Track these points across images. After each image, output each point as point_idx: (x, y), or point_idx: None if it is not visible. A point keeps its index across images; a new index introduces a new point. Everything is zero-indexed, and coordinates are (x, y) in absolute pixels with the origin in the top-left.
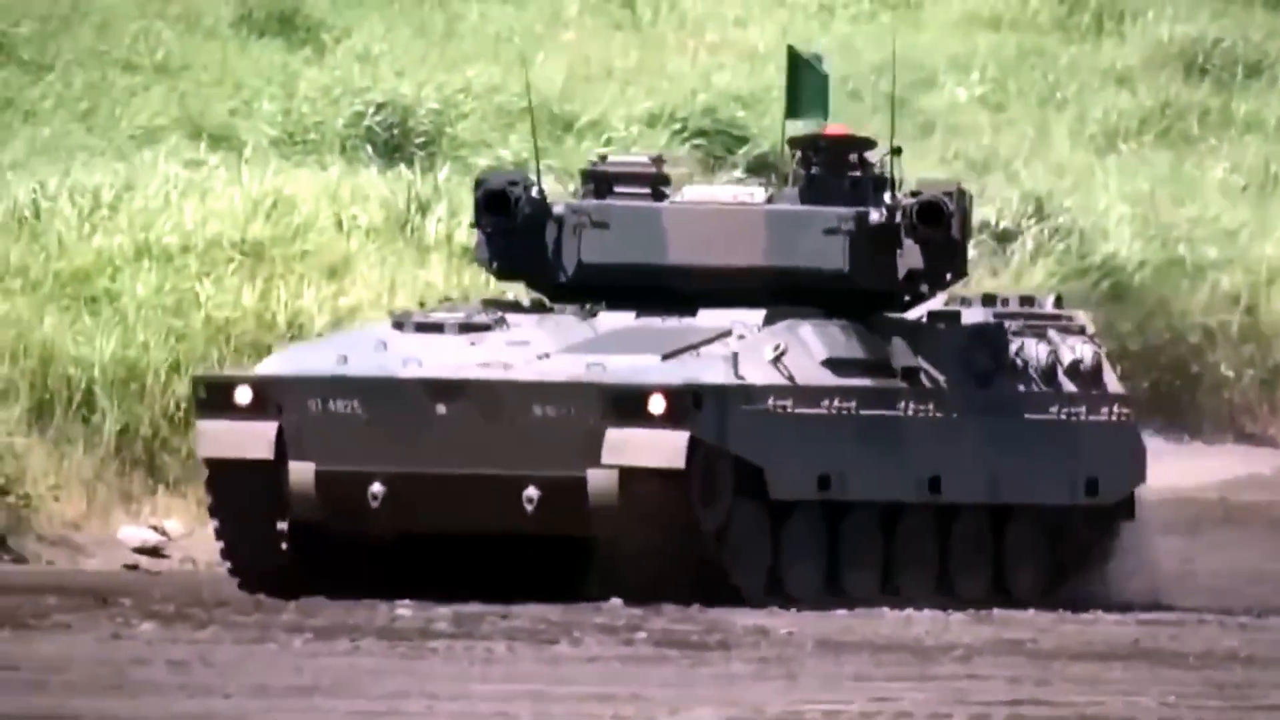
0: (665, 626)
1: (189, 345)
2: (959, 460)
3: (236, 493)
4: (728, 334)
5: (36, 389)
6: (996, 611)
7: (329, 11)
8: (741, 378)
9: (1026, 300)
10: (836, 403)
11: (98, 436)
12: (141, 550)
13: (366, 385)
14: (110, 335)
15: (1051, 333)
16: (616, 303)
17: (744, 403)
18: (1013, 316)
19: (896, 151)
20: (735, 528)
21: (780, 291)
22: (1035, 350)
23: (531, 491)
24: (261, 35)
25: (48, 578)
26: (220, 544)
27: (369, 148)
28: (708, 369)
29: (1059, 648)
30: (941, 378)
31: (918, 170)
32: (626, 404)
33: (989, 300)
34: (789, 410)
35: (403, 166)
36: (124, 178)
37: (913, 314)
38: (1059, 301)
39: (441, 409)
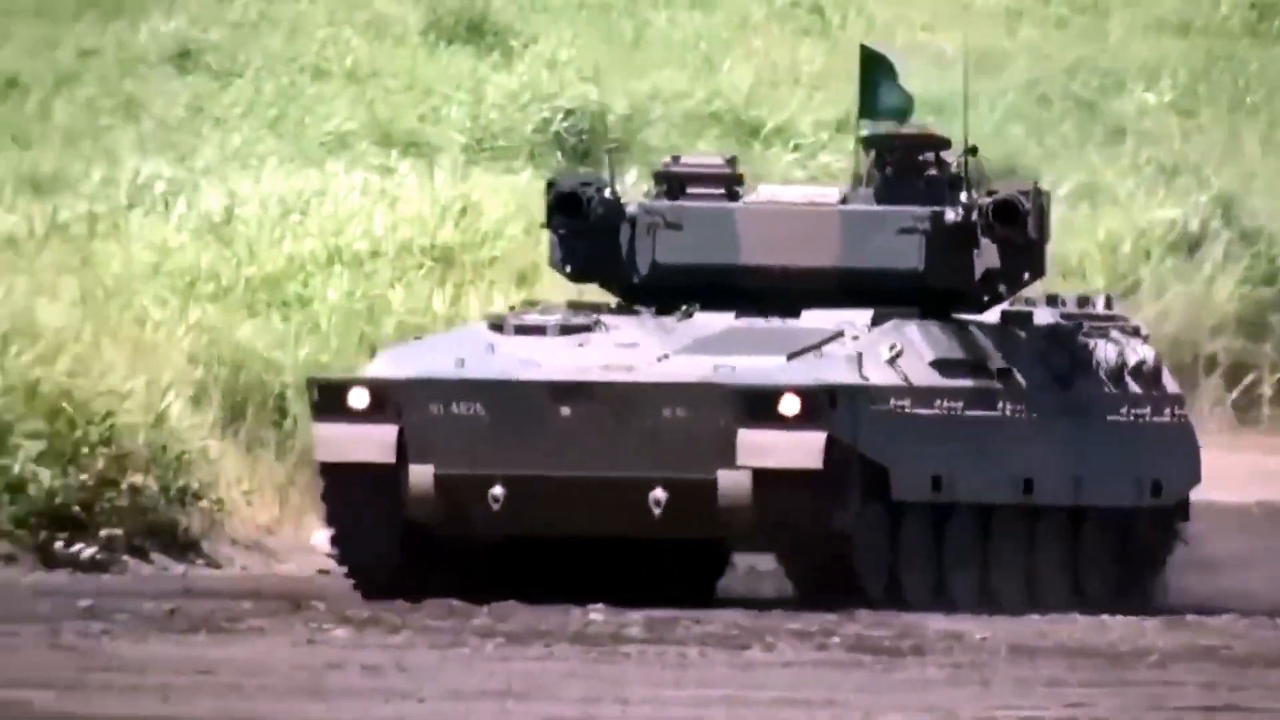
0: (859, 632)
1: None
2: (1047, 462)
3: (355, 496)
4: (840, 335)
5: (229, 394)
6: (1190, 617)
7: (517, 18)
8: (866, 378)
9: (1083, 301)
10: (946, 403)
11: (290, 441)
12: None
13: (490, 387)
14: (302, 340)
15: (1114, 333)
16: (706, 304)
17: (870, 403)
18: (1075, 317)
19: (972, 151)
20: (860, 529)
21: (854, 292)
22: (1105, 351)
23: (659, 494)
24: (450, 42)
25: (242, 582)
26: (335, 547)
27: (558, 154)
28: (835, 369)
29: (1253, 654)
30: (1029, 379)
31: (1108, 176)
32: (760, 405)
33: (1051, 301)
34: (907, 411)
35: (595, 170)
36: (314, 184)
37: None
38: (1109, 303)
39: (566, 411)
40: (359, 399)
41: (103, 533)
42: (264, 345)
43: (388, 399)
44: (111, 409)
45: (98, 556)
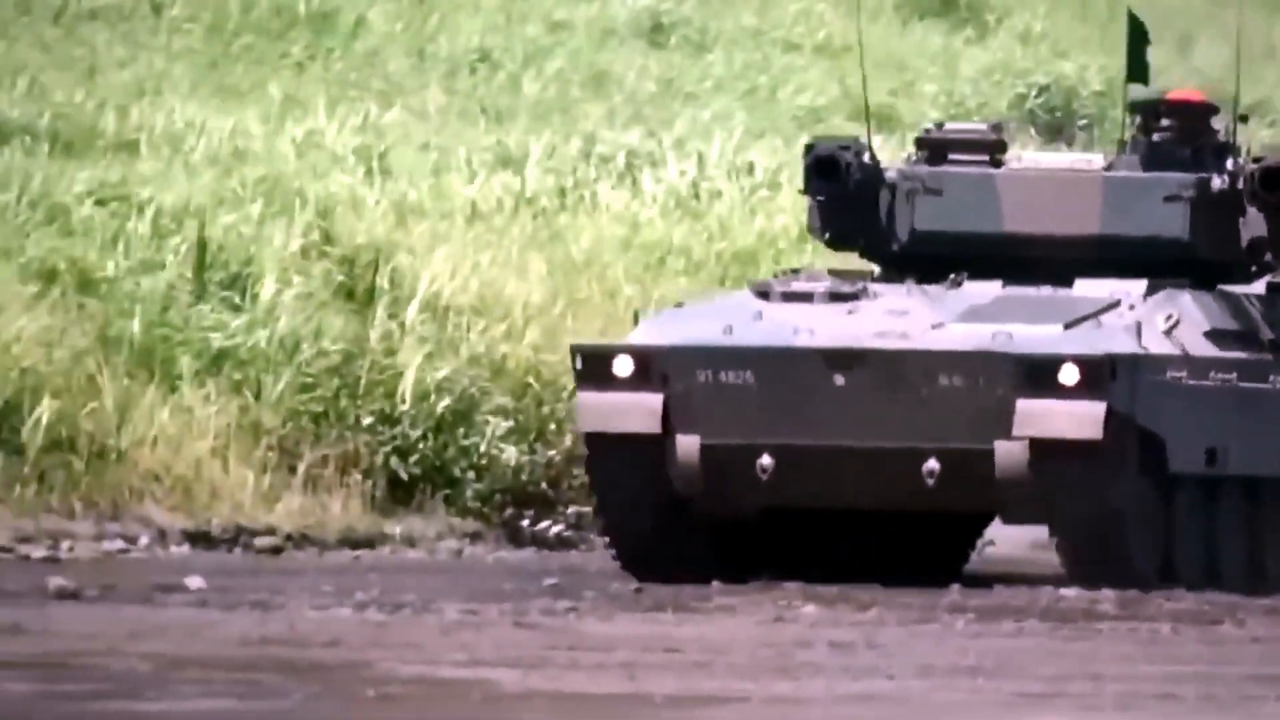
0: None
1: None
2: None
3: (619, 468)
4: (1116, 304)
5: None
6: None
7: None
8: (1145, 348)
9: None
10: (1220, 375)
11: None
12: None
13: (762, 355)
14: None
15: None
16: (973, 273)
17: (1149, 373)
18: None
19: (1243, 119)
20: (1135, 502)
21: (1117, 261)
22: None
23: (932, 464)
24: (923, 17)
25: None
26: (601, 522)
27: (1031, 129)
28: (1114, 339)
29: None
30: None
31: None
32: (1039, 374)
33: None
34: (1183, 382)
35: (1064, 147)
36: (784, 158)
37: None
38: None
39: (840, 379)
40: (624, 367)
41: (569, 510)
42: None
43: (653, 367)
44: None
45: (564, 534)
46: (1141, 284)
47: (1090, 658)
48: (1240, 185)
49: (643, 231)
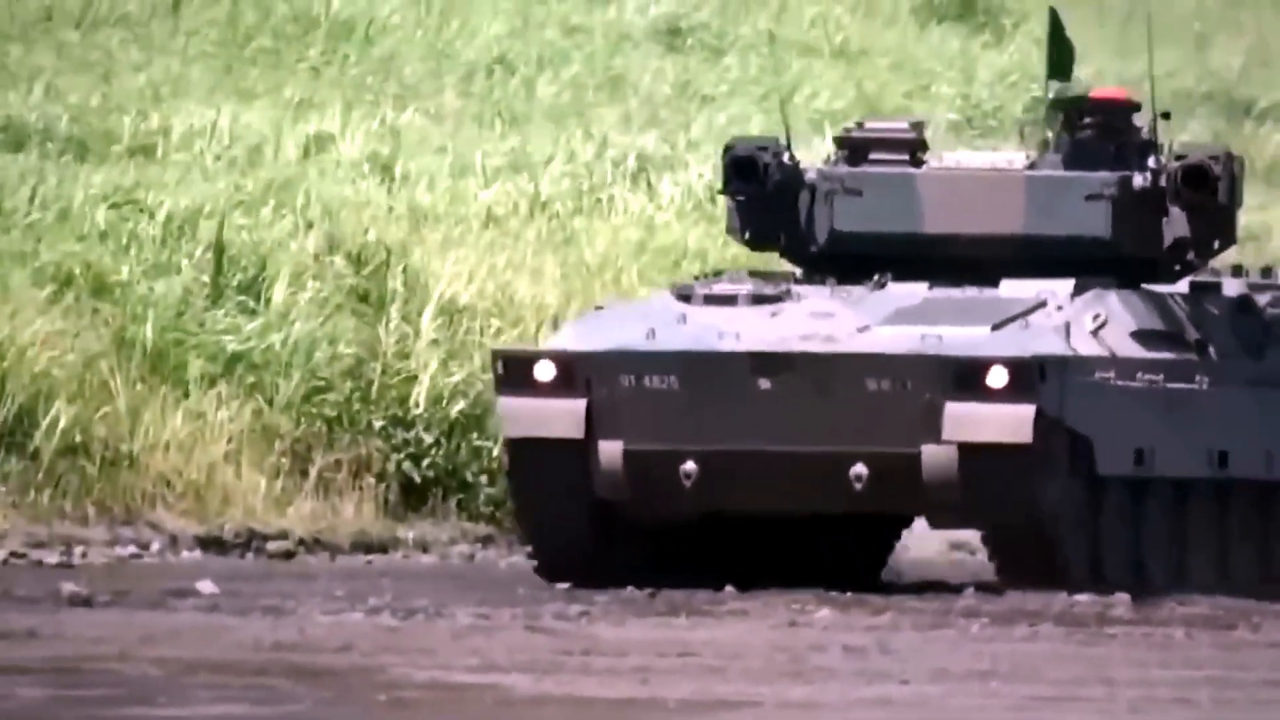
0: None
1: None
2: (1242, 435)
3: (542, 474)
4: (1043, 304)
5: None
6: None
7: None
8: (1074, 349)
9: (1267, 271)
10: (1147, 376)
11: None
12: None
13: (686, 359)
14: None
15: None
16: (895, 274)
17: (1077, 375)
18: (1261, 288)
19: (1164, 116)
20: (1066, 505)
21: (1040, 260)
22: None
23: (859, 469)
24: (940, 21)
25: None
26: (523, 528)
27: (1047, 133)
28: (1042, 340)
29: None
30: (1221, 351)
31: None
32: (968, 377)
33: (1236, 271)
34: (1110, 382)
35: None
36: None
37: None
38: None
39: (765, 384)
40: (545, 372)
41: None
42: None
43: (576, 372)
44: None
45: None
46: (1068, 284)
47: (1104, 662)
48: (1163, 183)
49: (658, 234)
